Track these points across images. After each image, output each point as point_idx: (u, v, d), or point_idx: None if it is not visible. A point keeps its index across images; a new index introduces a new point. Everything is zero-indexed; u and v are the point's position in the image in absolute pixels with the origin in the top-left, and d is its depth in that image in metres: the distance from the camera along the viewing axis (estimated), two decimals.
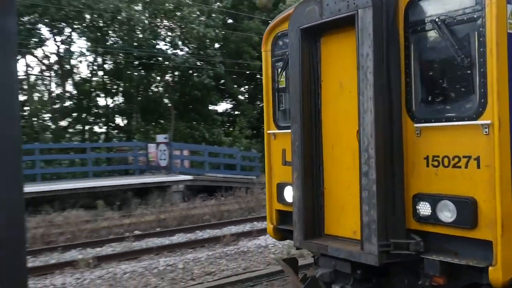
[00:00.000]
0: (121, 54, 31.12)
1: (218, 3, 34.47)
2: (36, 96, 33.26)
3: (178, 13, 30.44)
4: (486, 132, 4.31)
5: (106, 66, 33.05)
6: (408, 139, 4.85)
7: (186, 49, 32.77)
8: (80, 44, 32.90)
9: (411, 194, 4.82)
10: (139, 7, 31.23)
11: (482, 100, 4.33)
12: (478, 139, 4.37)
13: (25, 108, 30.01)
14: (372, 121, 4.68)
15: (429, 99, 4.83)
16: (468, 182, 4.45)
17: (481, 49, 4.33)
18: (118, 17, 28.96)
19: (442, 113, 4.69)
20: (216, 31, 31.53)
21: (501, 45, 4.24)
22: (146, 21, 30.67)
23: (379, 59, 4.71)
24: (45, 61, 32.28)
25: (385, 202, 4.71)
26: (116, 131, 34.75)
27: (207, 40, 31.91)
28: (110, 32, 31.04)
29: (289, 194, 5.88)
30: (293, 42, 5.44)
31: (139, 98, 33.99)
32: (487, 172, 4.31)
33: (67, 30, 30.50)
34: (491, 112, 4.27)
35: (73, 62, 32.29)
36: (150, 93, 35.13)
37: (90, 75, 33.09)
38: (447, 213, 4.53)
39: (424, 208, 4.71)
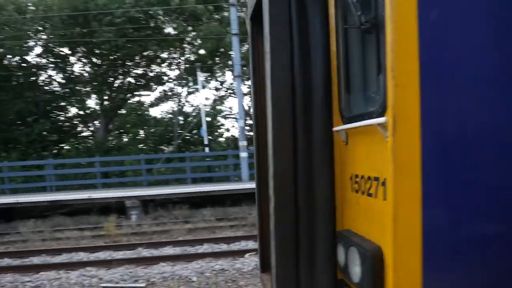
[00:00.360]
0: None
1: None
2: None
3: None
4: (386, 137, 2.05)
5: None
6: (340, 149, 2.74)
7: None
8: None
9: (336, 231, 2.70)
10: None
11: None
12: (382, 151, 2.11)
13: None
14: (270, 127, 2.79)
15: (354, 88, 2.63)
16: (376, 220, 2.21)
17: None
18: None
19: (362, 108, 2.50)
20: None
21: None
22: None
23: (280, 39, 2.77)
24: None
25: (289, 240, 2.72)
26: None
27: None
28: None
29: None
30: (249, 34, 3.80)
31: None
32: (391, 206, 2.03)
33: None
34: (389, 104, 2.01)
35: None
36: None
37: None
38: (356, 268, 2.34)
39: (340, 255, 2.57)
